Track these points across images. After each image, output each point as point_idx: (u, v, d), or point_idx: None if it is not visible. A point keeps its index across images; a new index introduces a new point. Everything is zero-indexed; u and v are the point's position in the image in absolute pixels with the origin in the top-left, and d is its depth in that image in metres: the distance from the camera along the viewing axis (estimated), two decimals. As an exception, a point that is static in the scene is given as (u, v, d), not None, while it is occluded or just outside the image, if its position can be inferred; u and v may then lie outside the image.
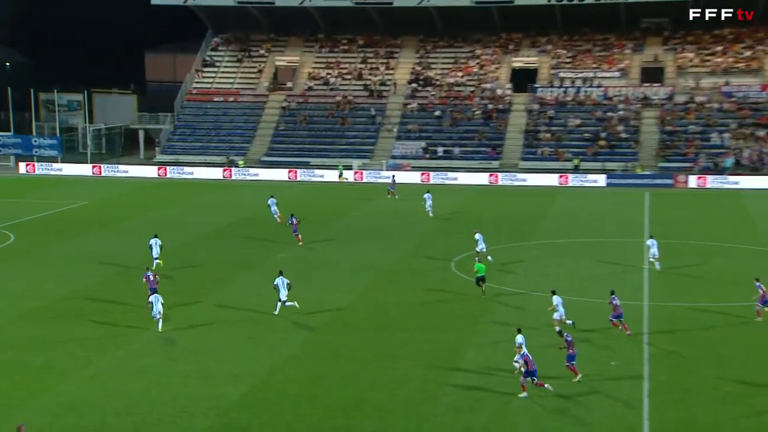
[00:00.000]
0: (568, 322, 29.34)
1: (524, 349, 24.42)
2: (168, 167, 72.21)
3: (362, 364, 27.12)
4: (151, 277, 32.38)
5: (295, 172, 69.92)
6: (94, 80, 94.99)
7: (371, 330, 30.42)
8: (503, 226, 47.92)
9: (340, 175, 67.07)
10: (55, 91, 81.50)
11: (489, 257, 38.29)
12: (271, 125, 77.77)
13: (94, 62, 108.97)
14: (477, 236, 38.53)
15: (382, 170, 68.99)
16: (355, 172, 68.74)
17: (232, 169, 71.00)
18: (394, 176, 61.33)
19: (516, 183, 66.32)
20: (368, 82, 79.31)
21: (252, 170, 70.90)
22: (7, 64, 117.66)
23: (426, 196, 50.92)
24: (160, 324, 30.07)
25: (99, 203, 57.83)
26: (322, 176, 69.50)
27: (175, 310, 31.56)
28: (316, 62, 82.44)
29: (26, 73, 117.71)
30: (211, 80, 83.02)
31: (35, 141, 75.11)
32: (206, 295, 34.28)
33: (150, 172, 72.01)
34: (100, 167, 72.42)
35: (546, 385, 24.27)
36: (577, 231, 46.91)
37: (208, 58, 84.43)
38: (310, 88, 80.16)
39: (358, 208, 54.77)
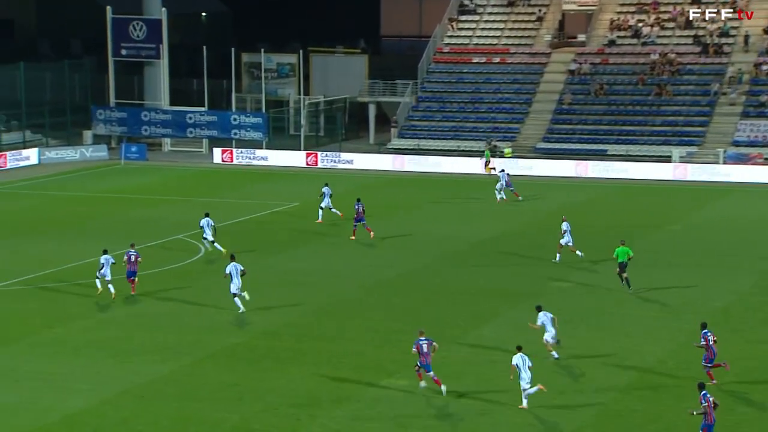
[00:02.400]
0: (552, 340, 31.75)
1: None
2: (406, 156, 71.29)
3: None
4: (132, 257, 37.82)
5: (586, 166, 67.80)
6: (312, 36, 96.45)
7: None
8: None
9: (487, 164, 67.11)
10: (262, 50, 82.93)
11: (578, 252, 43.82)
12: (551, 97, 76.35)
13: (313, 12, 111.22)
14: (564, 226, 44.10)
15: (717, 163, 67.19)
16: (676, 167, 67.14)
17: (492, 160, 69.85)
18: (504, 170, 60.61)
19: None
20: (700, 33, 76.01)
21: (522, 162, 69.54)
22: (203, 15, 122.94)
23: None
24: (239, 303, 35.65)
25: (314, 204, 58.13)
26: (625, 171, 67.20)
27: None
28: (621, 4, 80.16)
29: (226, 26, 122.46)
30: (469, 34, 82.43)
31: (234, 119, 76.63)
32: (456, 335, 34.63)
33: (382, 162, 71.63)
34: (316, 156, 72.80)
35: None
36: None
37: (467, 3, 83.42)
38: (611, 43, 78.04)
39: (680, 219, 53.89)
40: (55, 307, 37.39)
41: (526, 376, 28.29)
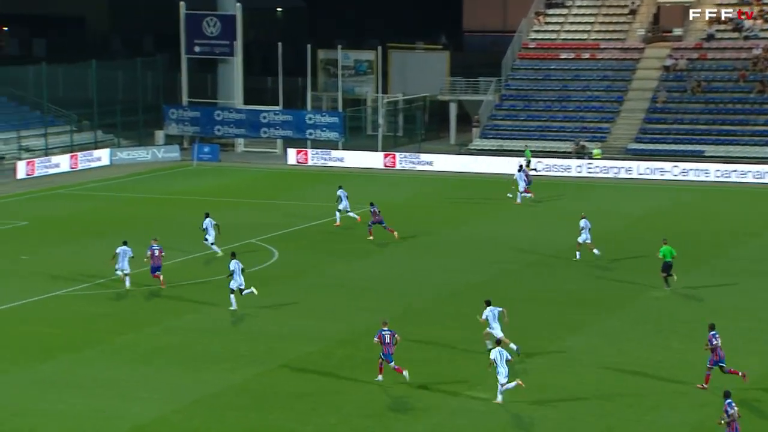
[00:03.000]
0: (512, 346, 32.08)
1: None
2: (487, 157, 71.00)
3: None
4: (156, 252, 39.72)
5: (681, 168, 67.83)
6: (391, 32, 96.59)
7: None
8: None
9: (528, 164, 66.50)
10: (339, 47, 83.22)
11: (595, 250, 44.76)
12: (644, 95, 75.67)
13: (393, 7, 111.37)
14: (582, 223, 44.95)
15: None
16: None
17: (584, 161, 69.82)
18: (521, 166, 61.20)
19: None
20: (808, 27, 75.74)
21: (612, 163, 69.03)
22: (279, 10, 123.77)
23: None
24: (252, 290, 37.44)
25: (389, 208, 58.10)
26: (723, 173, 66.26)
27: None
28: (721, -5, 79.74)
29: (302, 22, 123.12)
30: (557, 28, 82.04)
31: (310, 119, 77.02)
32: (541, 346, 34.31)
33: (463, 164, 71.41)
34: (394, 157, 72.88)
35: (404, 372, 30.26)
36: None
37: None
38: (709, 37, 77.21)
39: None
40: (126, 312, 37.92)
41: (503, 370, 29.05)
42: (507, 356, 29.34)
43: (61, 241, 48.23)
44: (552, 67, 79.43)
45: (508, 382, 29.02)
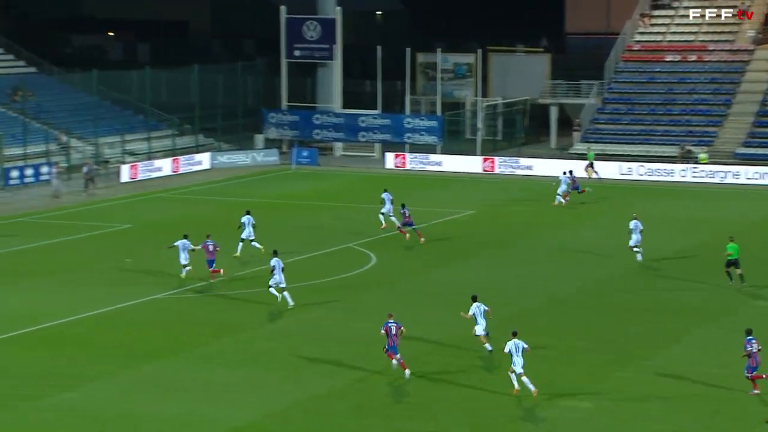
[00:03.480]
0: (487, 346, 33.38)
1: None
2: (594, 162, 70.49)
3: None
4: (210, 247, 41.85)
5: None
6: (491, 34, 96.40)
7: None
8: None
9: (591, 165, 67.35)
10: (438, 50, 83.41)
11: (638, 256, 45.45)
12: (754, 98, 74.93)
13: (493, 9, 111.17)
14: (632, 224, 45.65)
15: None
16: None
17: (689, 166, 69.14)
18: (568, 172, 61.03)
19: None
20: None
21: (719, 168, 68.23)
22: (378, 13, 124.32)
23: None
24: (288, 297, 38.34)
25: (487, 213, 58.21)
26: None
27: (601, 376, 30.69)
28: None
29: (401, 25, 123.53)
30: (663, 30, 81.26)
31: (408, 123, 77.35)
32: (643, 355, 33.93)
33: (564, 168, 70.74)
34: (493, 161, 72.80)
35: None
36: None
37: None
38: None
39: None
40: (223, 316, 38.56)
41: (518, 361, 30.11)
42: (523, 346, 30.21)
43: (163, 245, 49.17)
44: (657, 69, 78.65)
45: (523, 374, 30.00)
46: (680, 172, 68.70)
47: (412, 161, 74.42)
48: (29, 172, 66.14)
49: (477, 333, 33.63)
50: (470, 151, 75.81)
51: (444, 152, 75.45)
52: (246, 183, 68.82)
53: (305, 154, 75.92)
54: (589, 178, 67.00)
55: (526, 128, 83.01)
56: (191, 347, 34.84)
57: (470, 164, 73.17)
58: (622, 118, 76.75)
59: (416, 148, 76.21)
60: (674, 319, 38.07)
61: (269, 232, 52.39)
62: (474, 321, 33.58)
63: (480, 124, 78.85)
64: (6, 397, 30.30)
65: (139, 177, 68.99)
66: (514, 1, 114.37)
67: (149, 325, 37.22)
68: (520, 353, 30.14)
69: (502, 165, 72.44)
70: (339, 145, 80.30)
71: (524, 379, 29.99)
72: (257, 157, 75.89)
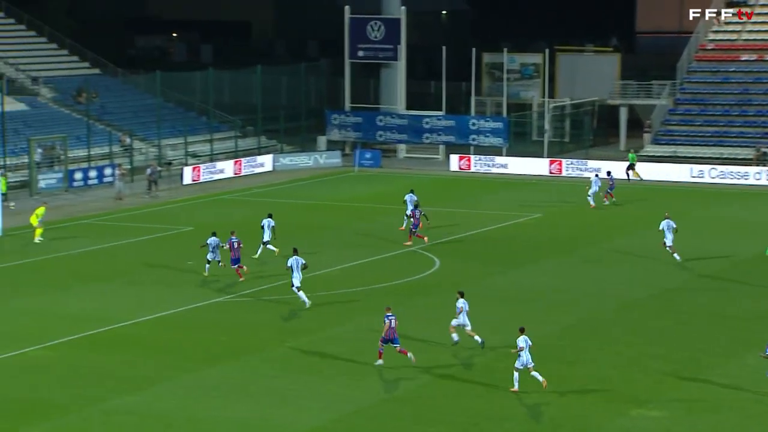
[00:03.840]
0: (476, 338, 34.55)
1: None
2: (659, 164, 69.77)
3: None
4: (235, 245, 42.67)
5: None
6: (559, 34, 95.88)
7: None
8: None
9: (632, 167, 68.31)
10: (504, 50, 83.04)
11: (676, 255, 45.91)
12: None
13: (561, 8, 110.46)
14: (664, 224, 46.08)
15: None
16: None
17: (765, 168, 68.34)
18: (601, 173, 61.84)
19: None
20: None
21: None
22: (443, 13, 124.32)
23: None
24: (304, 297, 38.88)
25: (554, 216, 57.90)
26: None
27: (672, 384, 29.95)
28: None
29: (467, 25, 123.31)
30: (738, 29, 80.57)
31: (473, 124, 77.09)
32: (715, 363, 33.90)
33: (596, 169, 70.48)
34: (560, 163, 72.40)
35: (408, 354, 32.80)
36: None
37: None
38: None
39: None
40: (286, 320, 38.68)
41: (524, 356, 31.04)
42: (530, 343, 31.08)
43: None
44: (731, 69, 77.78)
45: (534, 369, 30.86)
46: (755, 175, 67.82)
47: (477, 163, 74.18)
48: (93, 174, 66.90)
49: (452, 323, 34.79)
50: (537, 153, 75.40)
51: (510, 154, 75.12)
52: (308, 185, 69.02)
53: (368, 155, 75.99)
54: (629, 180, 67.05)
55: (594, 130, 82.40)
56: (254, 351, 34.99)
57: (536, 166, 72.77)
58: (695, 120, 75.96)
59: (481, 150, 75.92)
60: (748, 327, 37.60)
61: (331, 236, 52.52)
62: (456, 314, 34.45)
63: (547, 126, 78.37)
64: (72, 398, 30.67)
65: (202, 179, 69.46)
66: (583, 0, 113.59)
67: (212, 329, 37.43)
68: (528, 349, 31.01)
69: (569, 167, 71.95)
70: (402, 146, 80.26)
71: (534, 373, 30.87)
72: (320, 159, 76.08)
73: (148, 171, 65.16)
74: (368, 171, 74.01)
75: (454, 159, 74.84)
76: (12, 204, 58.53)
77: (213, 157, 73.98)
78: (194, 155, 74.09)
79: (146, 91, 79.65)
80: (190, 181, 68.65)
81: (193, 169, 69.78)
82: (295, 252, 39.71)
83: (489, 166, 73.95)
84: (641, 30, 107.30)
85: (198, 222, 55.88)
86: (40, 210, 51.07)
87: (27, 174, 64.27)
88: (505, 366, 33.48)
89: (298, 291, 39.18)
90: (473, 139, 76.53)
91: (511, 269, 46.28)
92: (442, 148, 78.51)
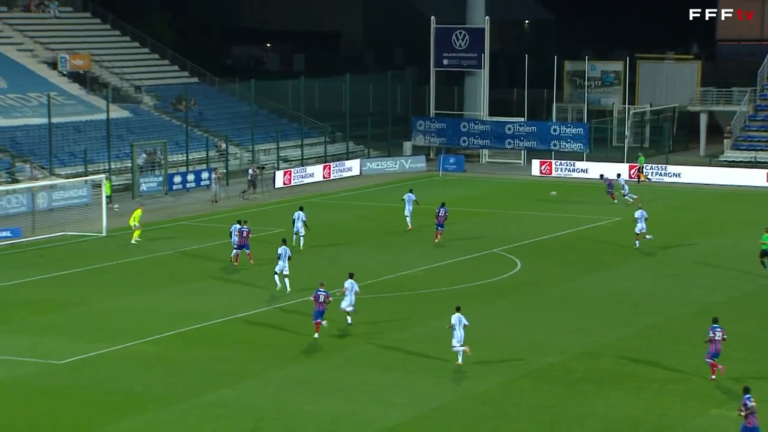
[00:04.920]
0: (348, 313, 36.52)
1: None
2: (739, 170, 68.65)
3: None
4: (244, 233, 45.11)
5: None
6: (640, 41, 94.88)
7: None
8: None
9: (641, 170, 70.15)
10: (586, 58, 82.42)
11: (648, 236, 48.41)
12: None
13: (642, 17, 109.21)
14: (638, 213, 48.72)
15: None
16: None
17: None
18: (609, 176, 63.59)
19: None
20: None
21: None
22: (526, 22, 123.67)
23: None
24: (287, 284, 40.79)
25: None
26: None
27: (757, 387, 29.20)
28: None
29: (549, 34, 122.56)
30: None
31: (554, 130, 76.58)
32: None
33: (713, 176, 69.39)
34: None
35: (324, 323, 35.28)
36: None
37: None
38: None
39: None
40: (373, 317, 38.67)
41: (458, 334, 32.47)
42: (465, 322, 32.53)
43: (314, 248, 49.74)
44: (810, 75, 76.31)
45: (459, 346, 32.37)
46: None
47: (558, 168, 73.68)
48: (191, 177, 67.70)
49: (342, 307, 36.35)
50: (617, 158, 74.67)
51: (590, 159, 74.51)
52: (393, 189, 69.00)
53: (452, 160, 75.90)
54: (638, 182, 67.67)
55: (674, 136, 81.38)
56: (343, 348, 35.10)
57: (616, 171, 71.84)
58: (773, 125, 74.73)
59: (562, 155, 75.44)
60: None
61: (415, 237, 52.50)
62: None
63: (627, 132, 77.60)
64: (170, 391, 31.07)
65: (293, 183, 69.93)
66: (664, 9, 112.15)
67: (301, 326, 37.61)
68: (461, 326, 32.41)
69: (649, 172, 71.09)
70: (485, 152, 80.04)
71: (459, 348, 32.44)
72: (405, 164, 76.17)
73: (250, 172, 65.93)
74: (452, 175, 73.89)
75: (535, 164, 74.44)
76: (116, 206, 59.50)
77: (303, 162, 74.46)
78: (285, 160, 74.63)
79: (241, 98, 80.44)
80: (281, 185, 69.15)
81: (285, 173, 70.27)
82: (284, 242, 41.95)
83: (570, 170, 73.40)
84: (722, 38, 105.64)
85: (288, 224, 56.17)
86: (138, 212, 51.82)
87: (130, 177, 65.28)
88: (585, 367, 33.23)
89: (275, 276, 40.84)
90: (554, 145, 76.05)
91: (591, 272, 45.86)
92: (523, 153, 78.14)
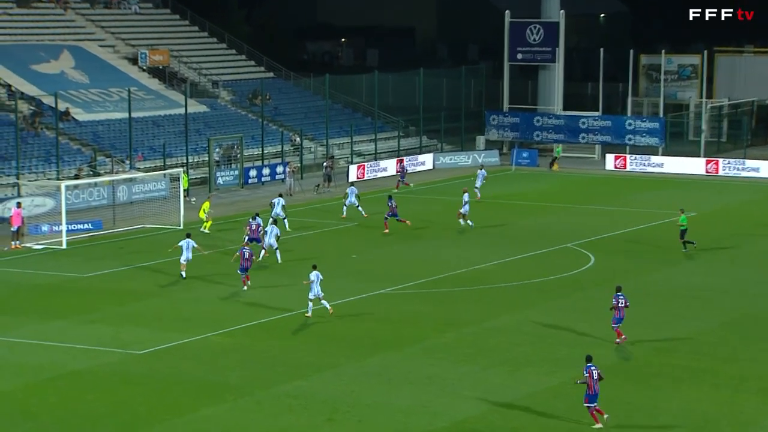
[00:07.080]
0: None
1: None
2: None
3: None
4: (253, 227, 45.61)
5: None
6: (718, 35, 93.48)
7: None
8: None
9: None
10: (662, 51, 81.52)
11: (470, 222, 50.94)
12: None
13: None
14: (465, 197, 51.64)
15: None
16: None
17: None
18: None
19: None
20: None
21: None
22: (601, 15, 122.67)
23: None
24: (278, 255, 44.81)
25: (709, 215, 56.67)
26: None
27: None
28: None
29: (624, 27, 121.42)
30: None
31: (629, 124, 75.92)
32: None
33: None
34: (717, 163, 70.72)
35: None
36: None
37: None
38: None
39: None
40: (446, 312, 38.81)
41: (316, 288, 36.35)
42: (320, 278, 36.33)
43: (381, 243, 49.90)
44: None
45: (320, 300, 36.28)
46: None
47: (633, 163, 73.04)
48: (266, 171, 68.23)
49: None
50: (693, 153, 73.82)
51: (665, 154, 73.77)
52: (467, 183, 68.92)
53: (525, 155, 75.61)
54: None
55: (752, 130, 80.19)
56: (416, 341, 35.21)
57: (693, 166, 71.29)
58: None
59: (637, 150, 74.76)
60: None
61: (490, 231, 52.45)
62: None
63: (704, 126, 76.67)
64: (246, 381, 31.40)
65: (366, 176, 70.13)
66: (742, 2, 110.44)
67: (375, 319, 37.82)
68: (318, 282, 36.17)
69: (726, 167, 70.22)
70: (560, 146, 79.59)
71: (324, 302, 36.45)
72: (478, 158, 75.95)
73: (325, 165, 66.35)
74: (525, 170, 73.62)
75: (609, 158, 73.86)
76: (193, 199, 60.18)
77: (377, 156, 74.62)
78: (359, 154, 74.88)
79: (316, 93, 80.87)
80: (355, 179, 69.36)
81: (358, 167, 70.51)
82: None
83: (645, 165, 72.71)
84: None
85: (360, 218, 56.45)
86: (206, 204, 52.59)
87: (206, 171, 65.98)
88: (659, 362, 33.01)
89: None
90: (629, 139, 75.42)
91: (665, 266, 45.49)
92: (598, 147, 77.55)
